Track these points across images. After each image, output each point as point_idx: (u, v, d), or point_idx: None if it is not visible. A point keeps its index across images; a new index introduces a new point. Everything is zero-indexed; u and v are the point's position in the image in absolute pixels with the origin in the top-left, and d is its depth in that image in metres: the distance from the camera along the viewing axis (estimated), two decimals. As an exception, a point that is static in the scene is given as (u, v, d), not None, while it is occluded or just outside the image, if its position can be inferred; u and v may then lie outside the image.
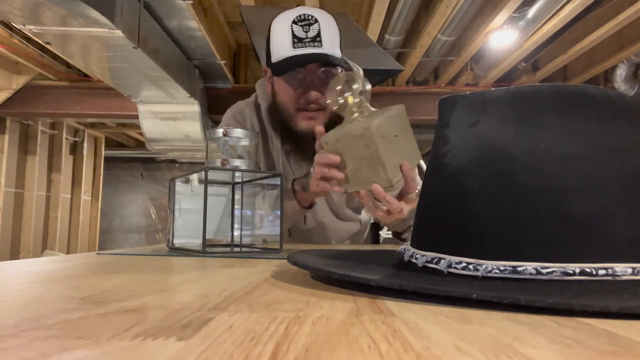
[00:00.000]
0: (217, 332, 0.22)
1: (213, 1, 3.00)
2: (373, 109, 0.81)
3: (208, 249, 0.68)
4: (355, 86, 0.78)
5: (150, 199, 5.96)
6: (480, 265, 0.32)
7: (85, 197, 4.96)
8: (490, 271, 0.32)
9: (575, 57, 3.18)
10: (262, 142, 1.10)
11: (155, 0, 2.50)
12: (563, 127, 0.34)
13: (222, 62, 3.31)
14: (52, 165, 4.51)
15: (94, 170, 5.18)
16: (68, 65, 3.51)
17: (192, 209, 0.79)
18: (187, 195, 0.81)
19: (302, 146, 1.00)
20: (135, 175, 5.98)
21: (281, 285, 0.37)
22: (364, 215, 1.20)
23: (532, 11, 2.50)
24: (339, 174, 0.78)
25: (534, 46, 2.96)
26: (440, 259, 0.35)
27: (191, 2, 2.41)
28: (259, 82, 1.12)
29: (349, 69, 1.06)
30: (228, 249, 0.76)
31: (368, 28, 2.78)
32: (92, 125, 4.95)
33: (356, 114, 0.79)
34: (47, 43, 2.33)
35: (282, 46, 0.94)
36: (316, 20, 0.92)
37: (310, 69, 0.95)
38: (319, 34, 0.92)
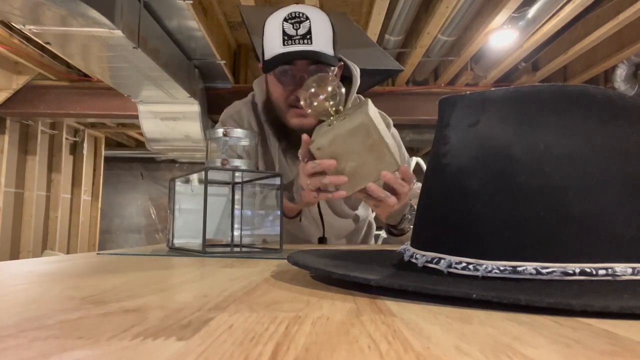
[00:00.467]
0: (217, 332, 0.22)
1: (213, 1, 3.00)
2: (347, 110, 0.80)
3: (208, 249, 0.68)
4: (329, 88, 0.77)
5: (150, 199, 5.96)
6: (480, 265, 0.32)
7: (85, 197, 4.96)
8: (490, 271, 0.32)
9: (575, 57, 3.18)
10: (260, 141, 1.10)
11: (155, 0, 2.50)
12: (563, 127, 0.34)
13: (222, 62, 3.31)
14: (52, 165, 4.51)
15: (94, 170, 5.18)
16: (68, 65, 3.51)
17: (192, 209, 0.79)
18: (187, 195, 0.81)
19: (296, 143, 1.00)
20: (135, 175, 5.98)
21: (281, 285, 0.37)
22: (361, 212, 1.20)
23: (532, 11, 2.50)
24: (340, 179, 0.76)
25: (534, 46, 2.96)
26: (440, 259, 0.35)
27: (191, 2, 2.41)
28: (256, 81, 1.13)
29: (343, 66, 1.07)
30: (228, 249, 0.76)
31: (368, 28, 2.78)
32: (92, 125, 4.95)
33: (333, 116, 0.78)
34: (47, 43, 2.33)
35: (273, 44, 0.94)
36: (307, 18, 0.93)
37: (300, 67, 0.95)
38: (309, 32, 0.92)
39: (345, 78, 1.09)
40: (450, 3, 2.46)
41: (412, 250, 0.39)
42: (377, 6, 2.52)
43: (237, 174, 0.80)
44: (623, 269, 0.30)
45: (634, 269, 0.30)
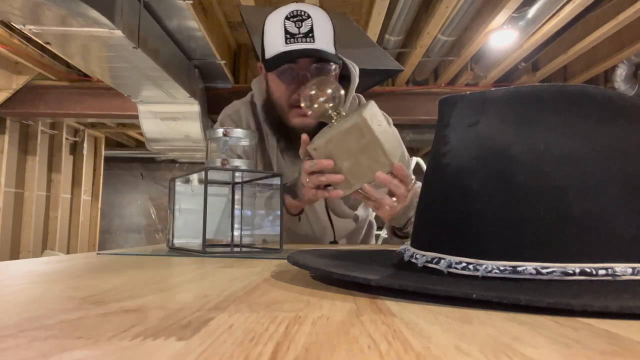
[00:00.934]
0: (217, 332, 0.22)
1: (213, 1, 3.00)
2: (348, 112, 0.81)
3: (208, 249, 0.68)
4: (328, 91, 0.78)
5: (150, 199, 5.96)
6: (480, 265, 0.32)
7: (85, 197, 4.96)
8: (490, 271, 0.32)
9: (575, 57, 3.18)
10: (259, 141, 1.10)
11: (155, 0, 2.50)
12: (563, 127, 0.34)
13: (222, 62, 3.31)
14: (52, 165, 4.51)
15: (94, 170, 5.18)
16: (68, 65, 3.51)
17: (192, 209, 0.79)
18: (187, 195, 0.81)
19: (296, 143, 1.00)
20: (135, 175, 5.98)
21: (281, 285, 0.37)
22: (361, 212, 1.20)
23: (532, 11, 2.50)
24: (337, 177, 0.78)
25: (534, 46, 2.96)
26: (440, 259, 0.35)
27: (191, 2, 2.41)
28: (255, 80, 1.12)
29: (343, 65, 1.07)
30: (228, 249, 0.76)
31: (368, 28, 2.78)
32: (92, 125, 4.95)
33: (334, 119, 0.79)
34: (47, 43, 2.33)
35: (274, 42, 0.94)
36: (309, 16, 0.92)
37: (302, 65, 0.95)
38: (311, 30, 0.92)
39: (344, 77, 1.09)
40: (450, 3, 2.45)
41: (412, 250, 0.39)
42: (377, 6, 2.52)
43: (237, 174, 0.80)
44: (623, 269, 0.30)
45: (634, 269, 0.30)
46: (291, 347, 0.19)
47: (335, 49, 0.96)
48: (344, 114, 0.79)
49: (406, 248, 0.41)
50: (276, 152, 1.09)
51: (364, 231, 1.26)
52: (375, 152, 0.75)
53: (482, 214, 0.34)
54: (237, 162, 0.74)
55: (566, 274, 0.30)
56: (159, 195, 5.93)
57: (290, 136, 1.03)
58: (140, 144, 5.47)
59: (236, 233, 0.80)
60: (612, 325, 0.24)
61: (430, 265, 0.36)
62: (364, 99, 1.16)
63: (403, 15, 2.70)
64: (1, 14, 1.95)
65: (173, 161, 5.89)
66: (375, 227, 1.33)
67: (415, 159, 3.78)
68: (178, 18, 2.70)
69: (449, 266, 0.34)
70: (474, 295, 0.27)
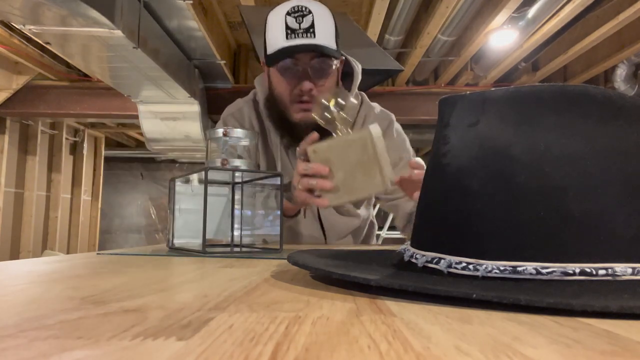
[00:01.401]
0: (217, 332, 0.22)
1: (213, 1, 3.00)
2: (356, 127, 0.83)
3: (208, 249, 0.68)
4: (341, 102, 0.79)
5: (150, 199, 5.96)
6: (480, 265, 0.32)
7: (85, 197, 4.96)
8: (490, 271, 0.32)
9: (575, 57, 3.18)
10: (261, 138, 1.10)
11: (155, 0, 2.50)
12: (563, 127, 0.34)
13: (222, 62, 3.31)
14: (52, 165, 4.51)
15: (94, 170, 5.18)
16: (68, 65, 3.51)
17: (192, 209, 0.79)
18: (187, 195, 0.81)
19: (299, 138, 1.00)
20: (135, 175, 5.98)
21: (281, 285, 0.37)
22: (363, 211, 1.20)
23: (532, 11, 2.50)
24: (327, 184, 0.78)
25: (534, 46, 2.96)
26: (440, 259, 0.35)
27: (191, 2, 2.41)
28: (258, 78, 1.12)
29: (345, 61, 1.07)
30: (228, 249, 0.76)
31: (368, 28, 2.78)
32: (92, 125, 4.95)
33: (340, 128, 0.79)
34: (47, 43, 2.33)
35: (276, 37, 0.94)
36: (310, 12, 0.92)
37: (303, 60, 0.95)
38: (312, 25, 0.92)
39: (346, 74, 1.09)
40: (450, 3, 2.45)
41: (412, 250, 0.39)
42: (377, 6, 2.52)
43: (237, 174, 0.80)
44: (623, 269, 0.30)
45: (634, 269, 0.30)
46: (291, 347, 0.19)
47: (337, 44, 0.96)
48: (349, 127, 0.80)
49: (406, 248, 0.41)
50: (280, 149, 1.09)
51: (365, 231, 1.26)
52: (373, 170, 0.76)
53: (482, 214, 0.34)
54: (237, 162, 0.74)
55: (566, 274, 0.30)
56: (159, 195, 5.93)
57: (294, 132, 1.03)
58: (140, 144, 5.47)
59: (236, 233, 0.80)
60: (612, 325, 0.24)
61: (430, 265, 0.36)
62: (366, 97, 1.17)
63: (403, 15, 2.71)
64: (1, 14, 1.95)
65: (173, 161, 5.89)
66: (376, 227, 1.33)
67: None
68: (178, 18, 2.70)
69: (449, 266, 0.34)
70: (474, 295, 0.27)
